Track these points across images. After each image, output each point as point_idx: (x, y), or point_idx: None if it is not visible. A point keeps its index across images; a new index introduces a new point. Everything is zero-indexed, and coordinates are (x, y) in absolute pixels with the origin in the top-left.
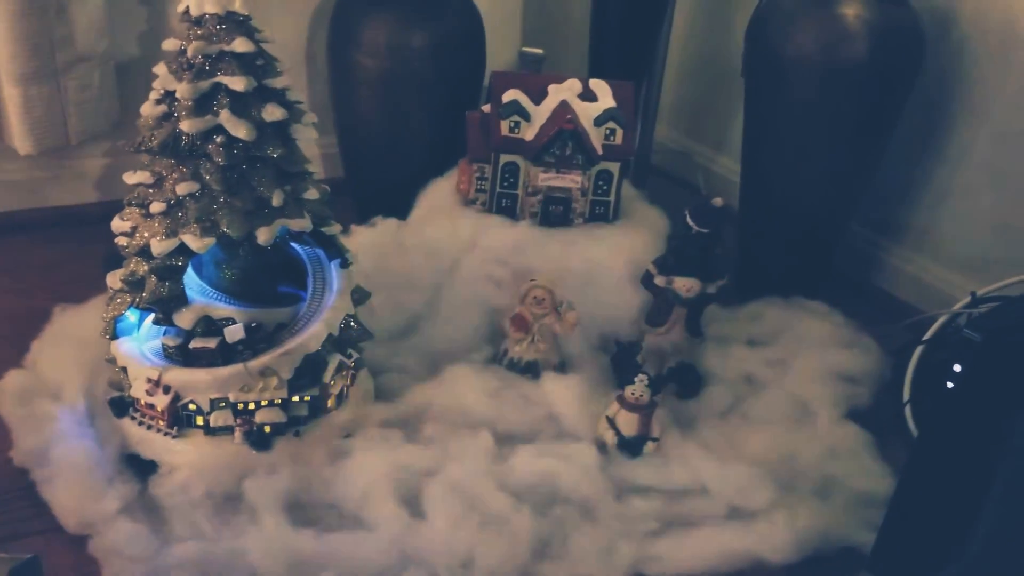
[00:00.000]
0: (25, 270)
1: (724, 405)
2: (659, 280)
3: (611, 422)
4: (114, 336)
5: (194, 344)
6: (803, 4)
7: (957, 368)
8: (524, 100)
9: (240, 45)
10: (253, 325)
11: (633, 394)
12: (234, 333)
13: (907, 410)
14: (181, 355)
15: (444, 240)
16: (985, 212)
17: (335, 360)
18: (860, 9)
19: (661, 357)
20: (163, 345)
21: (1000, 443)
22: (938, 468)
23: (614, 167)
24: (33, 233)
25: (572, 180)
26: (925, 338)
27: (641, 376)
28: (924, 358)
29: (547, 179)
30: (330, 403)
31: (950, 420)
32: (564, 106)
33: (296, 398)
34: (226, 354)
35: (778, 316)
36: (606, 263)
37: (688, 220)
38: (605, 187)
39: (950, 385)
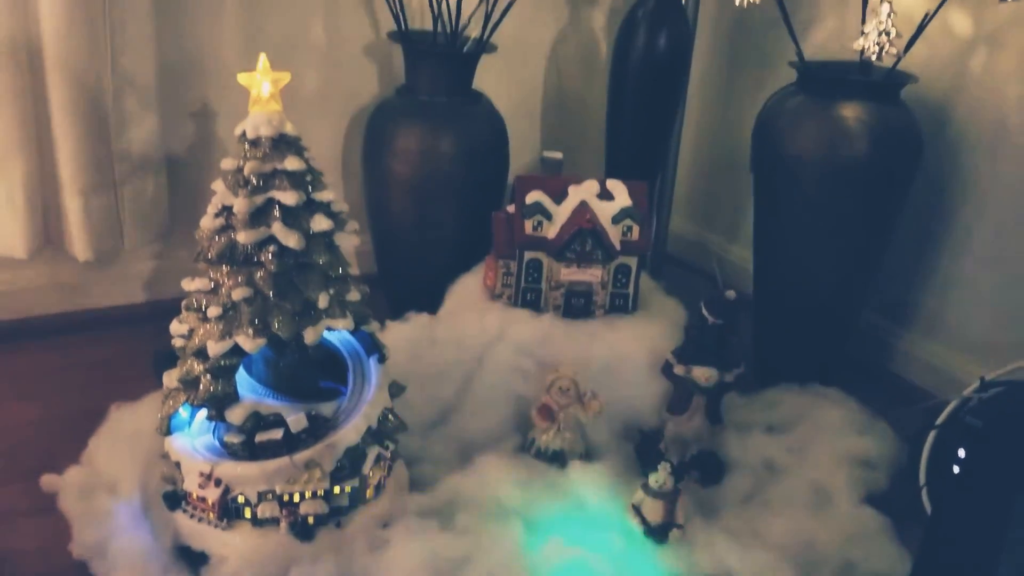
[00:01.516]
0: (80, 369)
1: (745, 491)
2: (678, 369)
3: (637, 510)
4: (168, 432)
5: (260, 438)
6: (805, 106)
7: (962, 453)
8: (546, 201)
9: (291, 163)
10: (313, 414)
11: (657, 482)
12: (298, 423)
13: (923, 494)
14: (247, 450)
15: (472, 333)
16: (988, 298)
17: (374, 451)
18: (859, 111)
19: (683, 445)
20: (227, 443)
21: (1006, 527)
22: (949, 552)
23: (632, 261)
24: (86, 333)
25: (592, 275)
26: (938, 423)
27: (664, 464)
28: (938, 442)
29: (569, 274)
30: (369, 493)
31: (957, 505)
32: (583, 206)
33: (337, 489)
34: (291, 444)
35: (795, 403)
36: (627, 353)
37: (704, 312)
38: (624, 280)
39: (956, 470)
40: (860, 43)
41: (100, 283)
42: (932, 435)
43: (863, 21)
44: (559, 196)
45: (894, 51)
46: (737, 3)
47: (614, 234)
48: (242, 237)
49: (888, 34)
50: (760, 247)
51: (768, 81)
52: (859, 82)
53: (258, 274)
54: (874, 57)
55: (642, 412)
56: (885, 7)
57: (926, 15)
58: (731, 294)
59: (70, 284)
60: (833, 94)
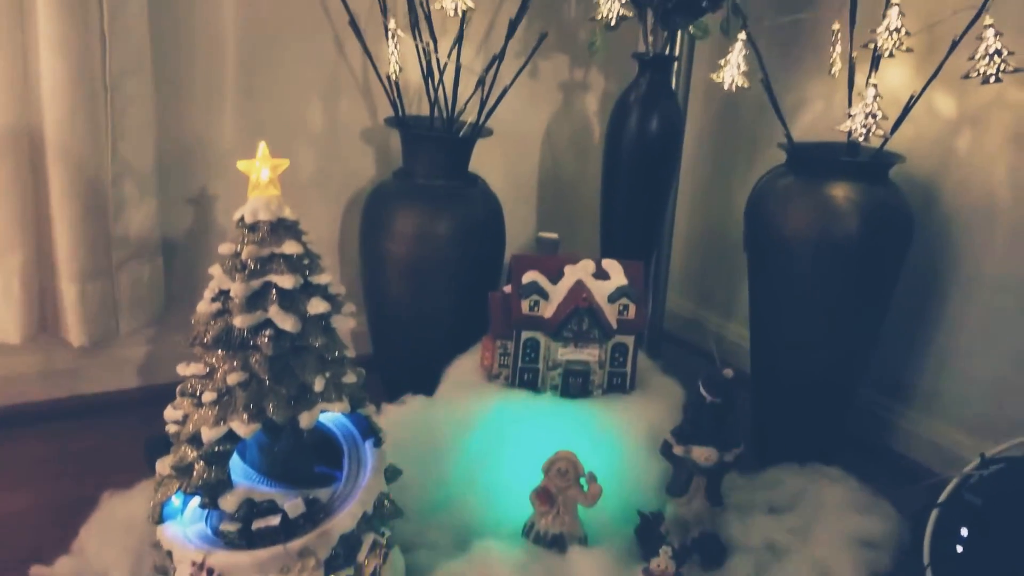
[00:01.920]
0: (72, 456)
1: (748, 574)
2: (677, 449)
3: None
4: (160, 521)
5: (257, 525)
6: (796, 186)
7: (964, 532)
8: (542, 280)
9: (289, 247)
10: (311, 498)
11: (659, 566)
12: (295, 508)
13: (928, 574)
14: (243, 538)
15: (470, 414)
16: (985, 374)
17: (369, 539)
18: (848, 191)
19: (684, 527)
20: (222, 532)
21: None
22: None
23: (629, 340)
24: (79, 419)
25: (590, 354)
26: (940, 501)
27: (665, 548)
28: (941, 521)
29: (566, 353)
30: None
31: None
32: (580, 285)
33: None
34: (288, 531)
35: (796, 482)
36: (626, 434)
37: (702, 390)
38: (621, 359)
39: (960, 549)
40: (847, 125)
41: (93, 369)
42: (935, 514)
43: (850, 103)
44: (555, 276)
45: (881, 132)
46: (726, 87)
47: (611, 313)
48: (239, 321)
49: (874, 116)
50: (756, 325)
51: (758, 162)
52: (848, 163)
53: (254, 358)
54: (861, 138)
55: (642, 494)
56: (871, 90)
57: (911, 97)
58: (728, 372)
59: (63, 370)
60: (822, 174)
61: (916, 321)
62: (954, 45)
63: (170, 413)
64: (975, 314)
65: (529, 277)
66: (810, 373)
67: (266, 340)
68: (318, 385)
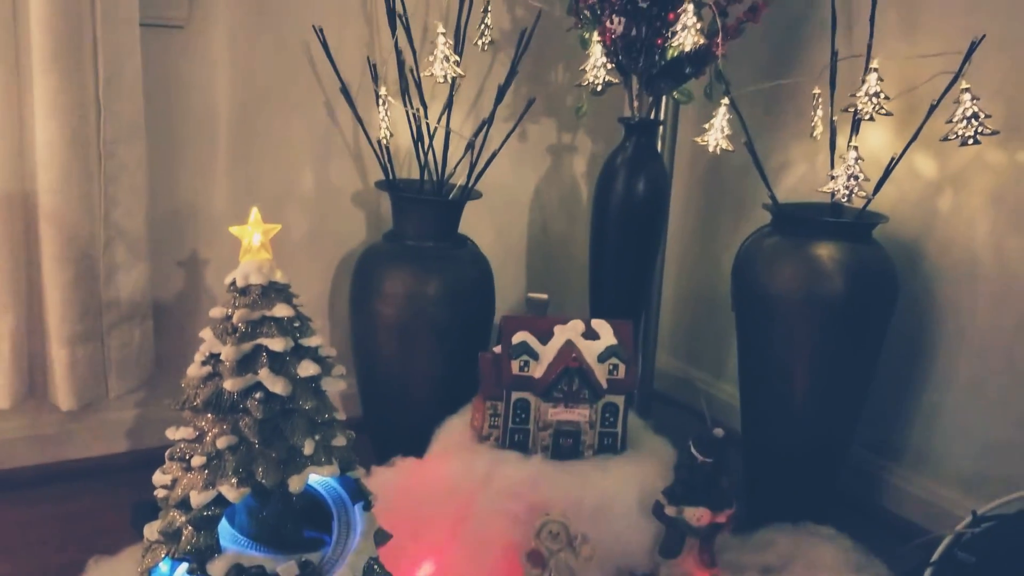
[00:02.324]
0: (59, 522)
1: None
2: (669, 510)
3: None
4: None
5: None
6: (781, 246)
7: None
8: (532, 341)
9: (280, 310)
10: (303, 560)
11: None
12: (289, 571)
13: None
14: None
15: (460, 477)
16: (975, 431)
17: None
18: (833, 251)
19: None
20: None
21: None
22: None
23: (619, 400)
24: (66, 484)
25: (580, 414)
26: (933, 560)
27: None
28: None
29: (556, 414)
30: None
31: None
32: (569, 345)
33: None
34: None
35: (789, 542)
36: (617, 494)
37: (693, 450)
38: (612, 419)
39: None
40: (830, 186)
41: (82, 433)
42: (928, 573)
43: (832, 165)
44: (545, 336)
45: (863, 193)
46: (710, 150)
47: (600, 373)
48: (229, 384)
49: (856, 177)
50: (746, 384)
51: (744, 222)
52: (832, 223)
53: (243, 421)
54: (845, 199)
55: (635, 555)
56: (852, 152)
57: (892, 159)
58: (719, 432)
59: (51, 434)
60: (807, 234)
61: (905, 379)
62: (932, 108)
63: (159, 478)
64: (963, 371)
65: (519, 337)
66: (801, 432)
67: (256, 403)
68: (308, 448)
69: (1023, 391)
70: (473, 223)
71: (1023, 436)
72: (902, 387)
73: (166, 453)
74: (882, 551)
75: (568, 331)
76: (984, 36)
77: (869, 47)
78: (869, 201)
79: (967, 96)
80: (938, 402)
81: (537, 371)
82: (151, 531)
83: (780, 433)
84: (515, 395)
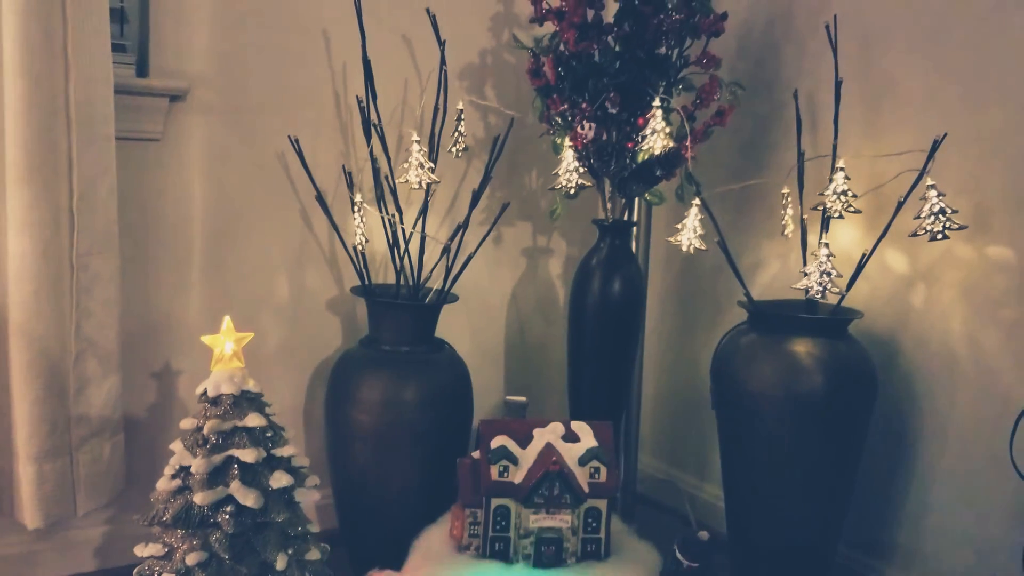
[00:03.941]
0: None
1: None
2: None
3: None
4: None
5: None
6: (758, 344)
7: None
8: (511, 445)
9: (252, 420)
10: None
11: None
12: None
13: None
14: None
15: None
16: (961, 528)
17: None
18: (810, 347)
19: None
20: None
21: None
22: None
23: (601, 504)
24: None
25: (562, 520)
26: None
27: None
28: None
29: (538, 520)
30: None
31: None
32: (549, 448)
33: None
34: None
35: None
36: None
37: (678, 555)
38: (595, 524)
39: None
40: (804, 283)
41: (48, 552)
42: None
43: (804, 262)
44: (524, 440)
45: (837, 289)
46: (684, 250)
47: (582, 476)
48: (199, 498)
49: (829, 274)
50: (729, 483)
51: (721, 318)
52: (807, 320)
53: (214, 536)
54: (818, 296)
55: None
56: (824, 249)
57: (863, 255)
58: (704, 535)
59: (16, 554)
60: (784, 331)
61: (890, 476)
62: (900, 205)
63: None
64: (946, 467)
65: (498, 442)
66: (787, 530)
67: (227, 517)
68: (280, 563)
69: (1007, 486)
70: (450, 326)
71: (1011, 531)
72: (887, 484)
73: (134, 572)
74: None
75: (548, 434)
76: (946, 135)
77: (834, 147)
78: (843, 297)
79: (933, 192)
80: (924, 499)
81: (517, 476)
82: None
83: (767, 533)
84: (495, 502)
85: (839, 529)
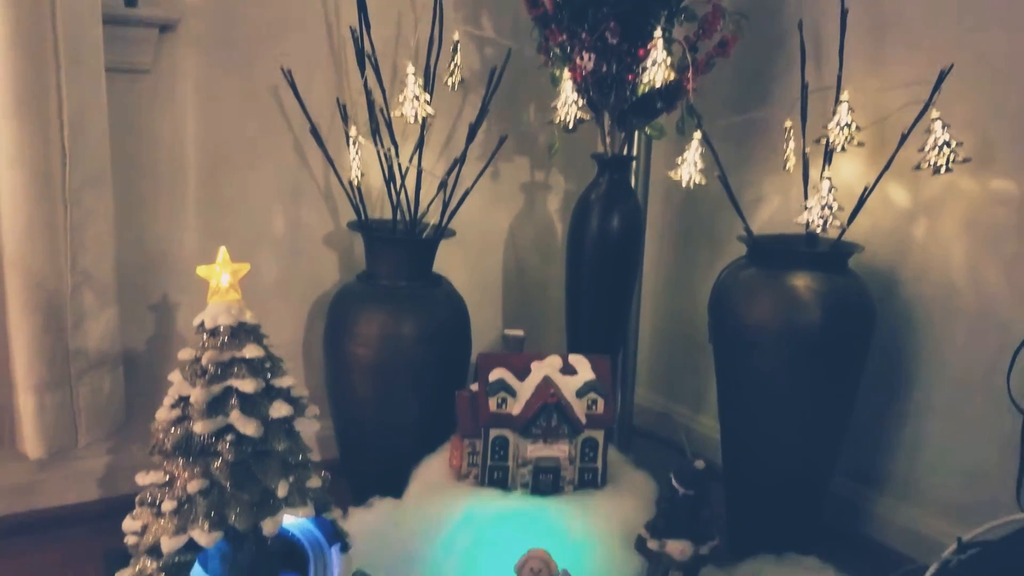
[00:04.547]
0: (30, 572)
1: None
2: (652, 544)
3: None
4: None
5: None
6: (757, 278)
7: None
8: (509, 378)
9: (250, 351)
10: None
11: None
12: None
13: None
14: None
15: (439, 516)
16: (956, 458)
17: None
18: (809, 281)
19: None
20: None
21: None
22: None
23: (598, 435)
24: (36, 535)
25: (559, 450)
26: None
27: None
28: None
29: (535, 450)
30: None
31: None
32: (547, 381)
33: None
34: None
35: (773, 574)
36: (599, 530)
37: (674, 483)
38: (592, 454)
39: None
40: (804, 217)
41: (52, 482)
42: None
43: (806, 196)
44: (522, 373)
45: (838, 223)
46: (683, 184)
47: (579, 408)
48: (199, 427)
49: (830, 208)
50: (725, 416)
51: (721, 254)
52: (807, 253)
53: (215, 464)
54: (819, 230)
55: None
56: (825, 183)
57: (865, 189)
58: (700, 464)
59: (21, 484)
60: (783, 265)
61: (886, 407)
62: (903, 138)
63: (129, 524)
64: (943, 399)
65: (496, 375)
66: (782, 463)
67: (227, 446)
68: (281, 490)
69: (1003, 417)
70: (447, 262)
71: (1005, 462)
72: (883, 416)
73: (136, 498)
74: None
75: (545, 367)
76: (952, 65)
77: (839, 79)
78: (844, 231)
79: (938, 125)
80: (920, 430)
81: (515, 408)
82: None
83: (762, 465)
84: (493, 433)
85: (834, 460)
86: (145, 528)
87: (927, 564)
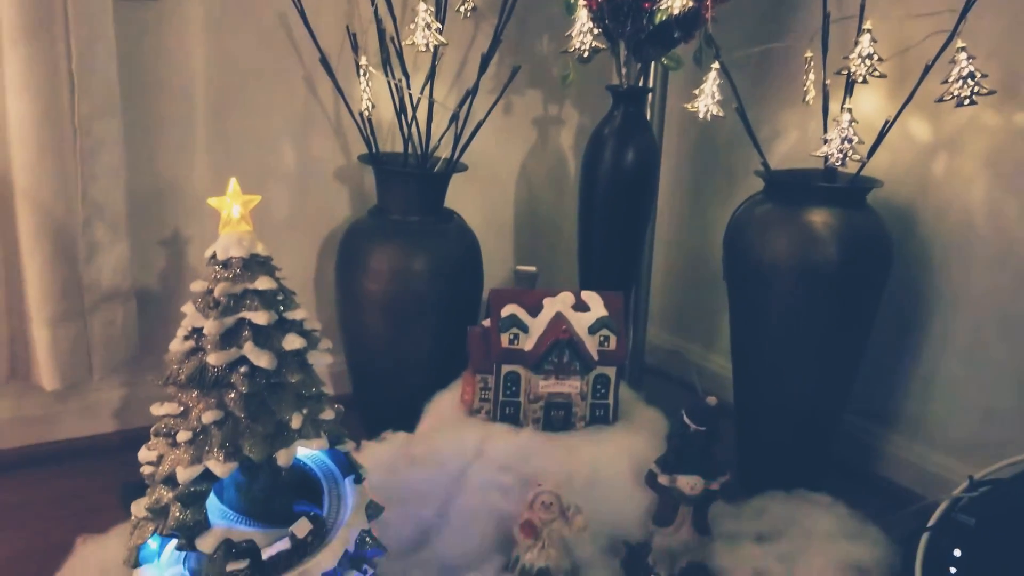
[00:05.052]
0: (46, 503)
1: None
2: (663, 479)
3: None
4: (136, 565)
5: (267, 553)
6: (774, 214)
7: (957, 553)
8: (521, 314)
9: (263, 283)
10: (312, 515)
11: None
12: (303, 527)
13: None
14: (259, 570)
15: (451, 450)
16: (970, 397)
17: None
18: (827, 217)
19: (672, 557)
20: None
21: None
22: None
23: (610, 371)
24: (51, 466)
25: (571, 386)
26: (930, 524)
27: None
28: (931, 545)
29: (547, 386)
30: None
31: None
32: (559, 317)
33: None
34: (300, 550)
35: (783, 510)
36: (610, 465)
37: (685, 419)
38: (603, 391)
39: (953, 571)
40: (824, 150)
41: (67, 414)
42: (925, 537)
43: (825, 129)
44: (534, 309)
45: (857, 157)
46: (700, 117)
47: (591, 345)
48: (212, 359)
49: (850, 141)
50: (738, 354)
51: (736, 190)
52: (825, 188)
53: (229, 396)
54: (838, 164)
55: (628, 525)
56: (846, 115)
57: (886, 122)
58: (712, 400)
59: (37, 416)
60: (800, 201)
61: (899, 346)
62: (927, 69)
63: (144, 454)
64: (958, 338)
65: (508, 311)
66: (794, 401)
67: (241, 377)
68: (295, 422)
69: (1019, 356)
70: (459, 197)
71: (1019, 402)
72: (897, 354)
73: (151, 429)
74: (878, 518)
75: (558, 303)
76: None
77: (862, 8)
78: (863, 165)
79: (963, 55)
80: (933, 368)
81: (527, 344)
82: (138, 508)
83: (774, 402)
84: (505, 368)
85: (846, 398)
86: (161, 458)
87: (938, 501)
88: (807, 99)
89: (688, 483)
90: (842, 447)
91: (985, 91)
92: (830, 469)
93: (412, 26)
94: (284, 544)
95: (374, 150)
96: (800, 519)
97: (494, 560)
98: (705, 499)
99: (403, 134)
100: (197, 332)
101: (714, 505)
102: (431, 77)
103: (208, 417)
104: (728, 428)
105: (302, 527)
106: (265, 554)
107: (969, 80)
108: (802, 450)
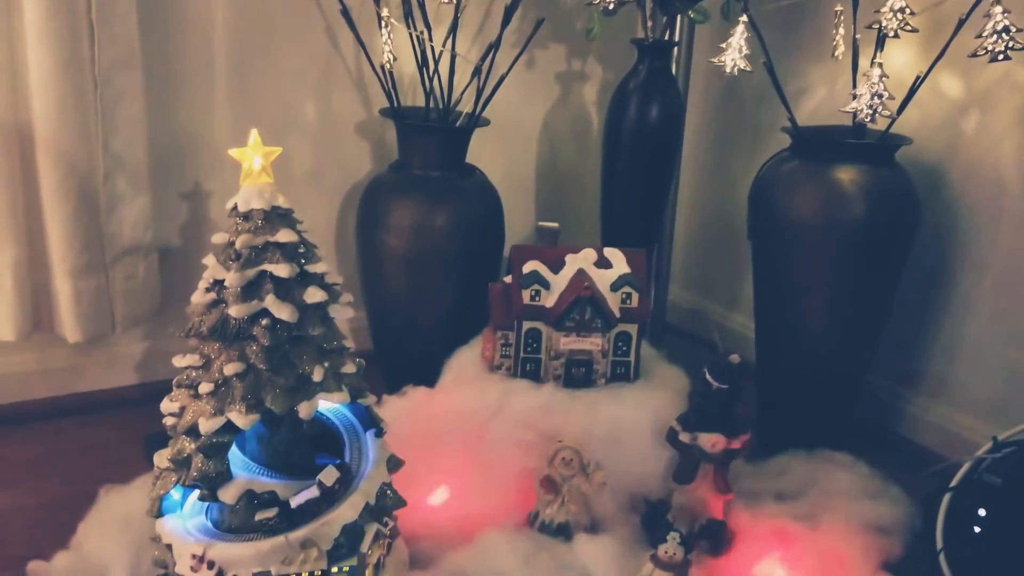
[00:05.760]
0: (70, 454)
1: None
2: (684, 437)
3: None
4: (159, 514)
5: (295, 502)
6: (801, 171)
7: (982, 513)
8: (543, 270)
9: (284, 236)
10: (338, 463)
11: (666, 553)
12: (330, 475)
13: (941, 558)
14: (286, 518)
15: (472, 406)
16: (995, 358)
17: (372, 529)
18: (854, 174)
19: (691, 514)
20: (264, 519)
21: None
22: None
23: (632, 329)
24: (75, 417)
25: (592, 343)
26: (952, 485)
27: (673, 534)
28: (953, 505)
29: (568, 343)
30: (368, 573)
31: (980, 565)
32: (581, 274)
33: (335, 569)
34: (329, 498)
35: (804, 469)
36: (630, 422)
37: (707, 377)
38: (625, 348)
39: (977, 530)
40: (853, 105)
41: (90, 366)
42: (947, 498)
43: (854, 85)
44: (556, 265)
45: (887, 113)
46: (727, 71)
47: (613, 302)
48: (234, 311)
49: (880, 96)
50: (761, 313)
51: (762, 148)
52: (854, 145)
53: (251, 348)
54: (867, 120)
55: (648, 482)
56: (876, 70)
57: (917, 78)
58: (735, 358)
59: (60, 368)
60: (828, 158)
61: (924, 306)
62: (960, 23)
63: (167, 405)
64: (984, 298)
65: (530, 267)
66: (817, 360)
67: (263, 330)
68: (317, 375)
69: None
70: (481, 152)
71: None
72: (922, 315)
73: (174, 381)
74: (899, 478)
75: (580, 260)
76: None
77: None
78: (893, 122)
79: (998, 9)
80: (959, 328)
81: (549, 301)
82: (161, 459)
83: (796, 361)
84: (526, 325)
85: (870, 358)
86: (183, 409)
87: (961, 462)
88: (836, 54)
89: (709, 440)
90: (864, 407)
91: (1020, 46)
92: (851, 429)
93: None
94: (312, 492)
95: (395, 104)
96: (821, 478)
97: (514, 514)
98: (726, 457)
99: (425, 88)
100: (219, 284)
101: (734, 464)
102: (453, 29)
103: (230, 369)
104: (749, 388)
105: (329, 475)
106: (294, 502)
107: (1004, 35)
108: (824, 410)
